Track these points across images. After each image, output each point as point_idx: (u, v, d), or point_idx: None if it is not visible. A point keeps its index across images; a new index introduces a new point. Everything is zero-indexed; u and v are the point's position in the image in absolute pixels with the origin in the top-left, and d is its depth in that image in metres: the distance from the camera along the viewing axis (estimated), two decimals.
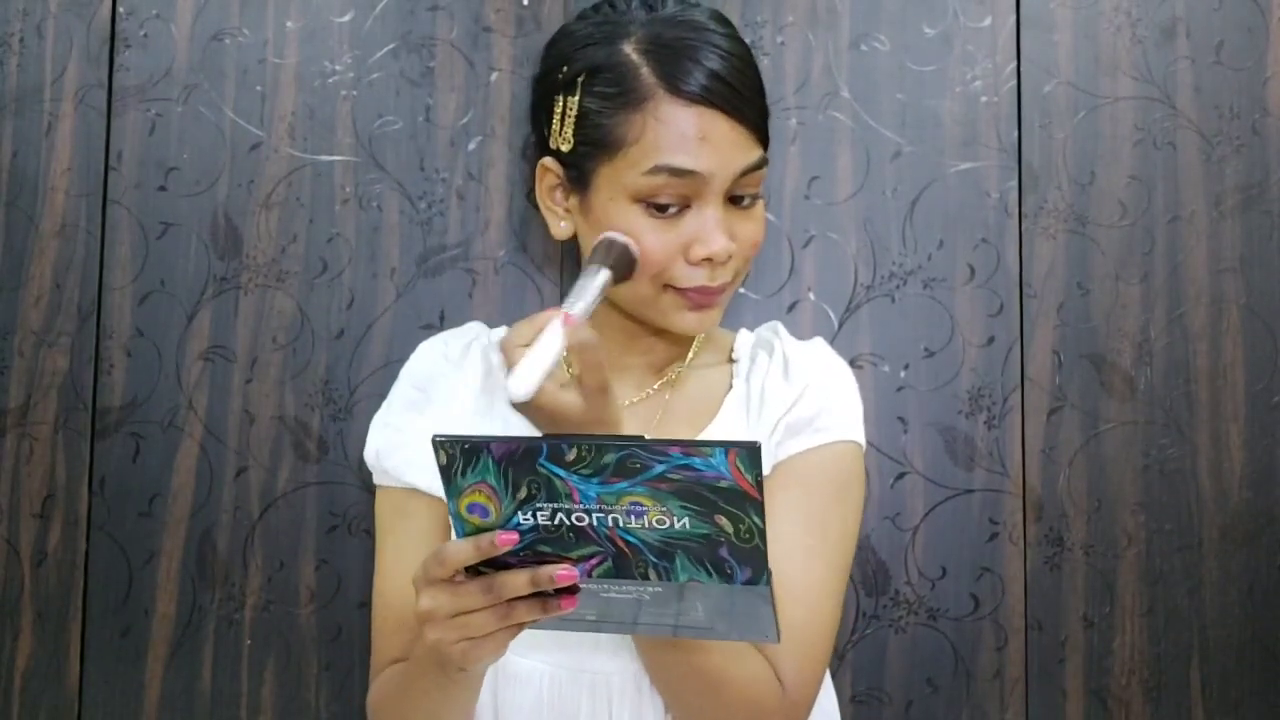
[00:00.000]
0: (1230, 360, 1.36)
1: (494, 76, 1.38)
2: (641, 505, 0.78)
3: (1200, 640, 1.35)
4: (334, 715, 1.34)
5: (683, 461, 0.76)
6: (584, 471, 0.78)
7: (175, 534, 1.35)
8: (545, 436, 0.79)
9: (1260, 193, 1.38)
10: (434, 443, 0.79)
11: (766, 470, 1.07)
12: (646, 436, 0.77)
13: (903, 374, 1.35)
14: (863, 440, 1.12)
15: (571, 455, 0.78)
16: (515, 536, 0.81)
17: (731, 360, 1.17)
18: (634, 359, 1.14)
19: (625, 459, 0.77)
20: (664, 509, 0.78)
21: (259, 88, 1.38)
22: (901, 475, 1.35)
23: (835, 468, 1.09)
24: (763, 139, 1.05)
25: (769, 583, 0.81)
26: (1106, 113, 1.38)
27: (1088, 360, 1.36)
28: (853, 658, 1.33)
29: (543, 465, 0.78)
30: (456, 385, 1.14)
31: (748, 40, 1.37)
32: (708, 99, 1.00)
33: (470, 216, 1.38)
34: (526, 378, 0.89)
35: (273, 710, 1.34)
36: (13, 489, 1.37)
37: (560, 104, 1.06)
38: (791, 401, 1.08)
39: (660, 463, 0.77)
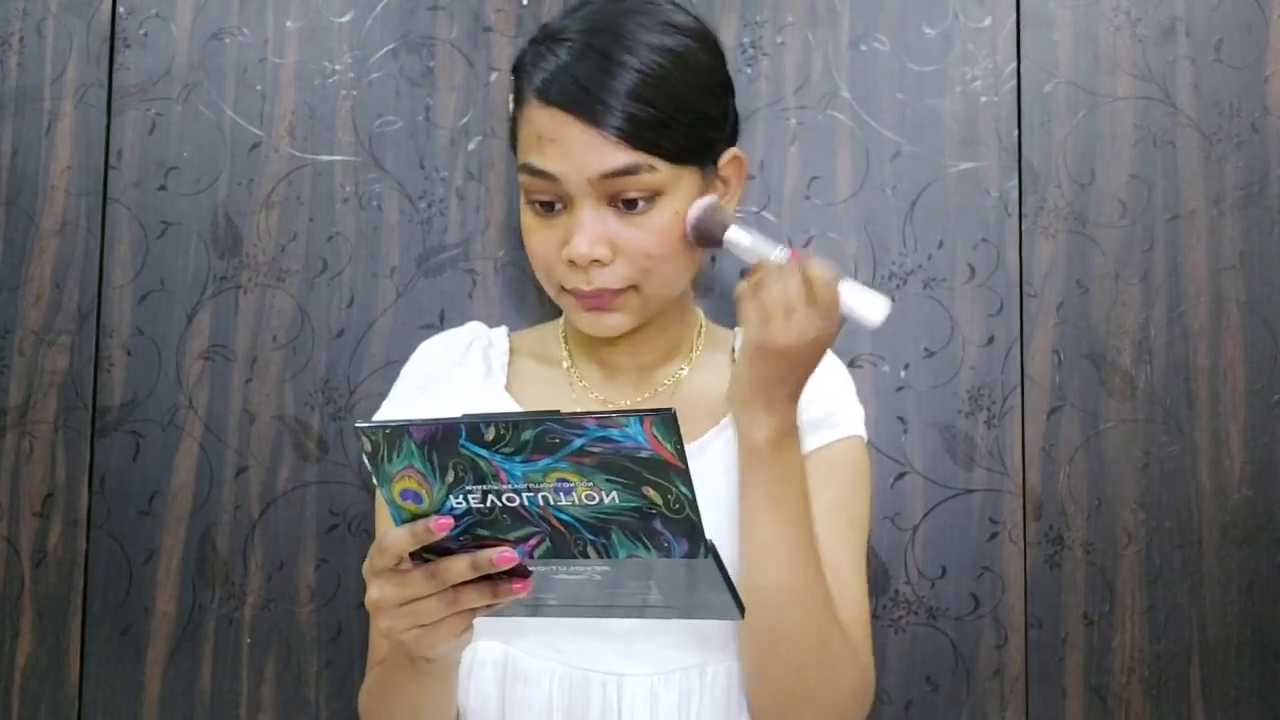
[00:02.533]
0: (1230, 359, 1.36)
1: (494, 76, 1.39)
2: (568, 481, 0.78)
3: (1200, 638, 1.35)
4: (334, 714, 1.34)
5: (600, 434, 0.75)
6: (505, 450, 0.77)
7: (175, 533, 1.35)
8: (462, 416, 0.78)
9: (1260, 190, 1.38)
10: (356, 430, 0.79)
11: None
12: (562, 411, 0.77)
13: (903, 374, 1.35)
14: (865, 434, 1.14)
15: (490, 434, 0.77)
16: (450, 521, 0.81)
17: (734, 360, 1.16)
18: (623, 359, 1.14)
19: (543, 435, 0.76)
20: (591, 484, 0.78)
21: (259, 87, 1.38)
22: (901, 475, 1.35)
23: (851, 460, 1.11)
24: (636, 142, 1.00)
25: (709, 554, 0.80)
26: (1106, 112, 1.38)
27: (1088, 359, 1.36)
28: None
29: (464, 446, 0.78)
30: (457, 385, 1.14)
31: (747, 40, 1.37)
32: (559, 101, 1.00)
33: (470, 216, 1.38)
34: (869, 295, 0.98)
35: (273, 709, 1.34)
36: (13, 488, 1.37)
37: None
38: (803, 403, 1.08)
39: (578, 436, 0.76)
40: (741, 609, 0.85)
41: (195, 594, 1.35)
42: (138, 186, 1.38)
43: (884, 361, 1.36)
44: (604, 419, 0.75)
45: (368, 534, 1.32)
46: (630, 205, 1.02)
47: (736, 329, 1.20)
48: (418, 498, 0.81)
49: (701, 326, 1.18)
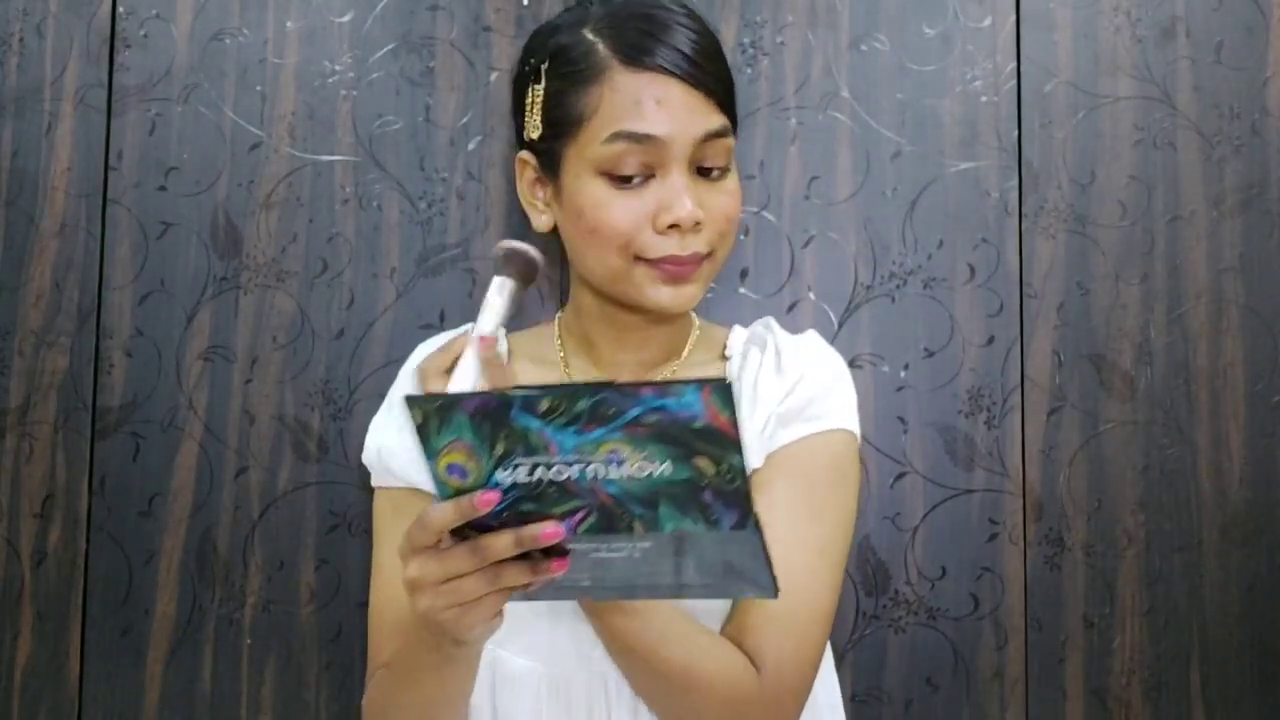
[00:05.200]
0: (1230, 360, 1.36)
1: (494, 76, 1.38)
2: (620, 453, 0.77)
3: (1200, 640, 1.35)
4: (334, 715, 1.34)
5: (656, 403, 0.75)
6: (559, 422, 0.77)
7: (175, 534, 1.35)
8: (517, 387, 0.78)
9: (1260, 192, 1.38)
10: (406, 401, 0.78)
11: (759, 462, 1.07)
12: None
13: (903, 374, 1.35)
14: (857, 430, 1.12)
15: (545, 405, 0.77)
16: (496, 495, 0.80)
17: (725, 357, 1.17)
18: (627, 355, 1.14)
19: (598, 405, 0.76)
20: (643, 455, 0.77)
21: (259, 87, 1.38)
22: (901, 475, 1.35)
23: (828, 455, 1.08)
24: (725, 108, 1.05)
25: (757, 527, 0.80)
26: (1106, 113, 1.38)
27: (1088, 360, 1.36)
28: (853, 658, 1.33)
29: (517, 418, 0.77)
30: (454, 387, 1.14)
31: (747, 40, 1.37)
32: (660, 65, 1.02)
33: (470, 216, 1.38)
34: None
35: (273, 710, 1.34)
36: (13, 489, 1.37)
37: (530, 94, 1.08)
38: (784, 394, 1.08)
39: (634, 406, 0.76)
40: (776, 588, 0.84)
41: (195, 595, 1.35)
42: (138, 187, 1.38)
43: (884, 361, 1.35)
44: (661, 388, 0.75)
45: (368, 535, 1.32)
46: (705, 173, 1.05)
47: (733, 326, 1.20)
48: (463, 472, 0.80)
49: (696, 325, 1.19)
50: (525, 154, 1.10)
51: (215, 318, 1.37)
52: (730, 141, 1.06)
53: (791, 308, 1.36)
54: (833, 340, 1.34)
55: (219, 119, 1.38)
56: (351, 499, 1.35)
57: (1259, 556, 1.35)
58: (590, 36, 1.05)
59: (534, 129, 1.07)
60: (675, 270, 1.04)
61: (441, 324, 1.35)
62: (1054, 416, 1.35)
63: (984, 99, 1.37)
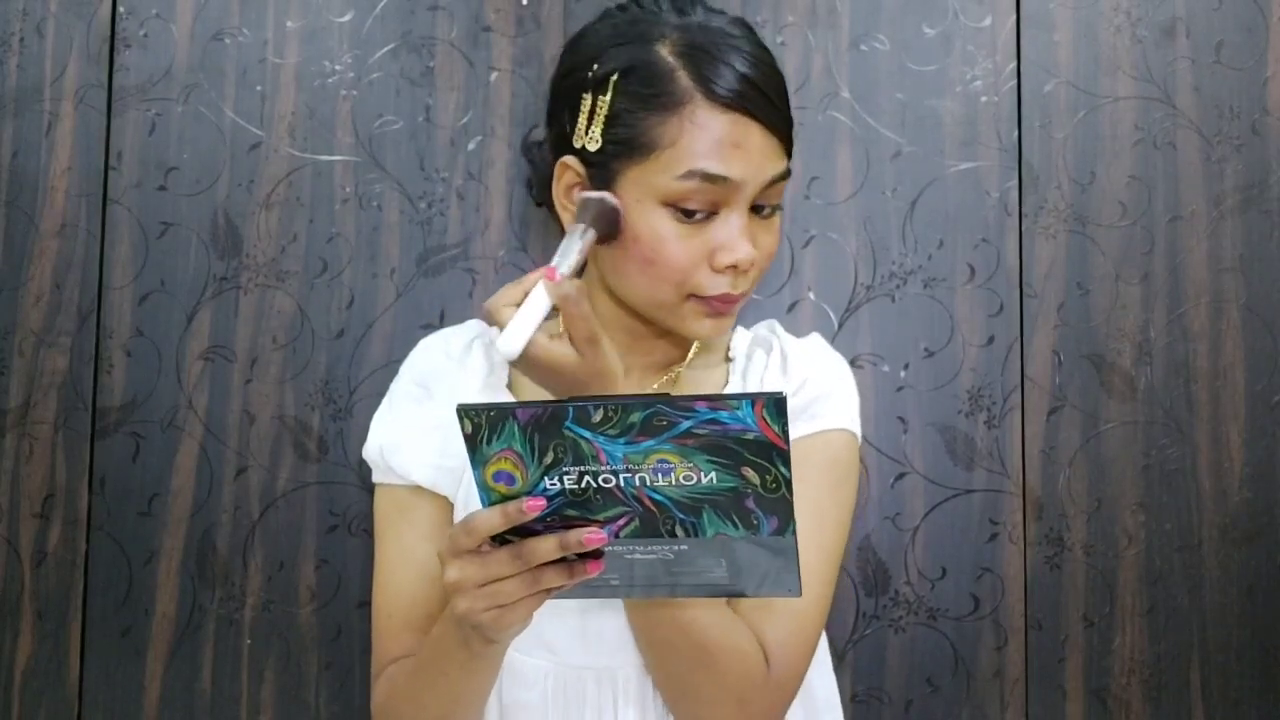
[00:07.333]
0: (1230, 360, 1.36)
1: (494, 76, 1.38)
2: (668, 463, 0.79)
3: (1200, 639, 1.35)
4: (334, 715, 1.34)
5: (709, 416, 0.77)
6: (610, 432, 0.78)
7: (175, 534, 1.35)
8: (571, 399, 0.79)
9: (1260, 192, 1.38)
10: (459, 411, 0.79)
11: None
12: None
13: (903, 374, 1.35)
14: (858, 431, 1.12)
15: (598, 416, 0.78)
16: (543, 502, 0.81)
17: (728, 359, 1.17)
18: (635, 359, 1.14)
19: (652, 417, 0.77)
20: (690, 465, 0.79)
21: (259, 87, 1.38)
22: (901, 475, 1.35)
23: (828, 454, 1.09)
24: (789, 149, 1.05)
25: (794, 532, 0.82)
26: (1106, 112, 1.38)
27: (1088, 360, 1.36)
28: (853, 658, 1.33)
29: (569, 429, 0.79)
30: (458, 382, 1.14)
31: None
32: (743, 106, 1.00)
33: (470, 216, 1.38)
34: (514, 335, 0.91)
35: (273, 710, 1.34)
36: (13, 489, 1.37)
37: (589, 102, 1.04)
38: (790, 393, 1.09)
39: (686, 419, 0.77)
40: (800, 588, 0.86)
41: (195, 595, 1.35)
42: (138, 187, 1.38)
43: (884, 361, 1.36)
44: (715, 402, 0.76)
45: (368, 535, 1.32)
46: (758, 209, 1.04)
47: (736, 328, 1.20)
48: (510, 479, 0.82)
49: None
50: (572, 160, 1.06)
51: (215, 318, 1.37)
52: (786, 183, 1.05)
53: (792, 308, 1.36)
54: (833, 340, 1.34)
55: (219, 119, 1.38)
56: (351, 499, 1.35)
57: (1259, 557, 1.35)
58: (669, 59, 1.01)
59: (590, 141, 1.03)
60: (721, 307, 1.05)
61: (441, 323, 1.35)
62: (1054, 416, 1.35)
63: (984, 99, 1.37)
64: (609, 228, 1.01)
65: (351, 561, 1.34)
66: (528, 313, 0.92)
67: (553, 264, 0.95)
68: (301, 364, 1.36)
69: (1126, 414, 1.36)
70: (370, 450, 1.17)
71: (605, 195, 1.01)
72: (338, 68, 1.39)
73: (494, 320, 0.96)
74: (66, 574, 1.36)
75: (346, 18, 1.39)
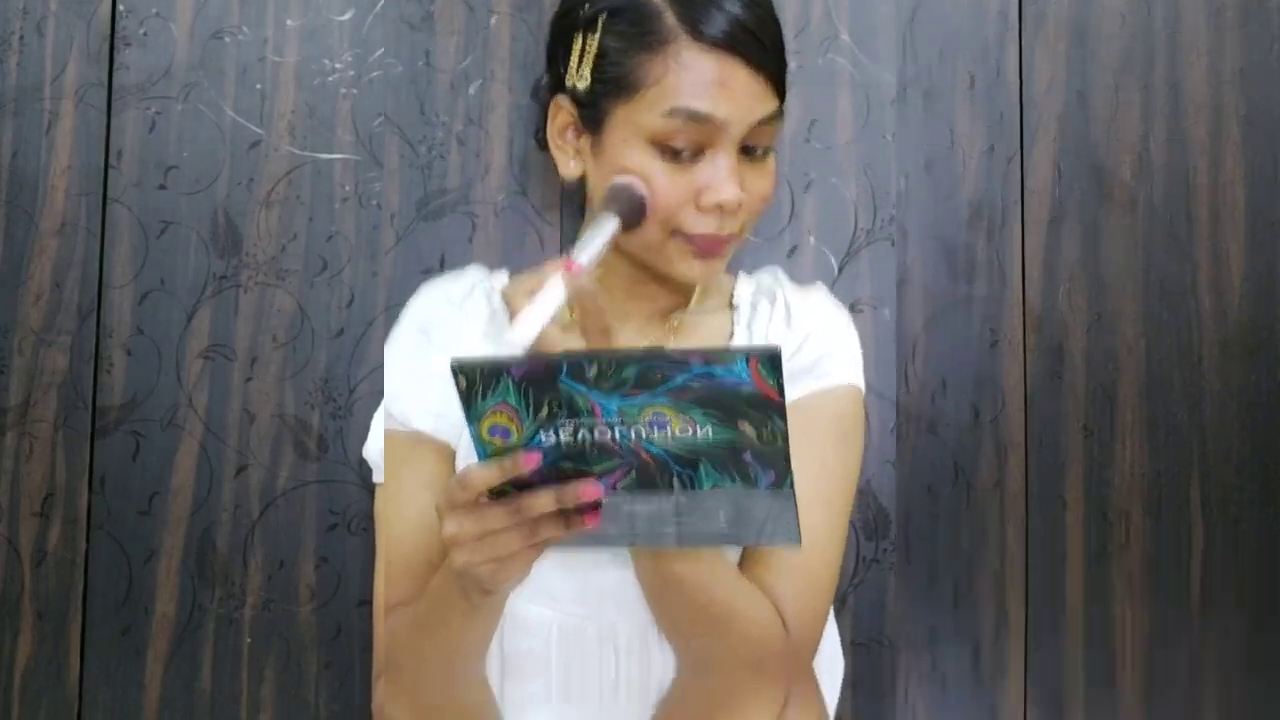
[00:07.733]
0: (1230, 176, 1.36)
1: (494, 20, 1.38)
2: (664, 416, 0.79)
3: (1200, 455, 1.34)
4: (334, 714, 1.34)
5: (704, 370, 0.77)
6: (605, 386, 0.78)
7: (175, 533, 1.35)
8: (565, 354, 0.79)
9: (1260, 4, 1.37)
10: (453, 367, 0.79)
11: None
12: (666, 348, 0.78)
13: (902, 185, 1.36)
14: (863, 385, 1.13)
15: (593, 371, 0.78)
16: (538, 456, 0.82)
17: (732, 306, 1.17)
18: (637, 305, 1.14)
19: (646, 371, 0.77)
20: (686, 419, 0.79)
21: (259, 86, 1.38)
22: (900, 283, 1.35)
23: (836, 411, 1.09)
24: (780, 91, 1.05)
25: (792, 485, 0.82)
26: None
27: (1088, 172, 1.35)
28: (853, 602, 1.33)
29: (563, 382, 0.79)
30: (460, 328, 1.14)
31: None
32: (729, 45, 1.00)
33: (470, 161, 1.37)
34: (527, 325, 0.90)
35: (273, 709, 1.34)
36: (13, 488, 1.36)
37: (579, 41, 1.05)
38: (793, 350, 1.09)
39: (681, 373, 0.77)
40: (800, 537, 0.86)
41: (195, 594, 1.35)
42: (137, 186, 1.38)
43: (884, 306, 1.35)
44: (710, 357, 0.76)
45: (368, 533, 1.32)
46: (749, 151, 1.04)
47: (739, 274, 1.20)
48: (506, 433, 0.81)
49: None
50: (564, 100, 1.08)
51: (215, 316, 1.37)
52: (780, 123, 1.05)
53: (792, 252, 1.36)
54: (833, 285, 1.35)
55: (219, 117, 1.38)
56: (351, 497, 1.34)
57: (1259, 372, 1.35)
58: (657, 0, 1.03)
59: (580, 80, 1.05)
60: (709, 247, 1.04)
61: (442, 268, 1.35)
62: (1053, 228, 1.35)
63: None
64: (635, 216, 1.01)
65: (351, 560, 1.34)
66: (541, 304, 0.92)
67: (574, 254, 0.95)
68: (301, 363, 1.36)
69: (1127, 228, 1.35)
70: (370, 450, 1.16)
71: (633, 181, 1.01)
72: (338, 66, 1.38)
73: (512, 307, 0.96)
74: (66, 573, 1.36)
75: (347, 16, 1.39)
